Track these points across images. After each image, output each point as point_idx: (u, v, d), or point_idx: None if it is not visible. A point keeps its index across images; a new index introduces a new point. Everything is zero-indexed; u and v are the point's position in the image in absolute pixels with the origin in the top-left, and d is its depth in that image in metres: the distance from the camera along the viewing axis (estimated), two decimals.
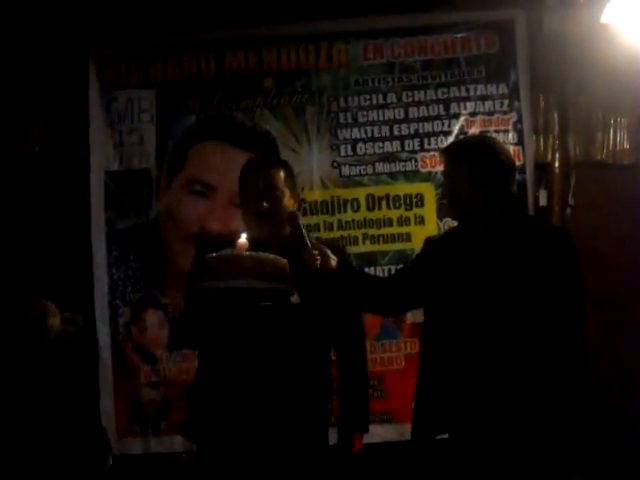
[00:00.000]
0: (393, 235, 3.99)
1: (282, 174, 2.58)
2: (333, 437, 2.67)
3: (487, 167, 2.40)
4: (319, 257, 2.39)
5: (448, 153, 2.53)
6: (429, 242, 2.66)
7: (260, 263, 2.17)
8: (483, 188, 2.40)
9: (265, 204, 2.51)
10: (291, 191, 2.60)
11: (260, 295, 2.26)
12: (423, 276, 2.54)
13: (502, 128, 3.97)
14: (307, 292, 2.48)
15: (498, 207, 2.42)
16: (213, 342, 2.54)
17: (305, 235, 2.41)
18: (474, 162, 2.40)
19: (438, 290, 2.48)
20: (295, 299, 2.39)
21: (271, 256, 2.22)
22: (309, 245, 2.39)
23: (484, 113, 4.00)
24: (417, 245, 3.90)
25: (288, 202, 2.57)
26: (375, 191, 4.01)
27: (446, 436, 2.47)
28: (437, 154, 3.96)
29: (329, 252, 2.44)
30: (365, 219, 4.00)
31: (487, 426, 2.34)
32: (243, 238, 2.22)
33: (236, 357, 2.50)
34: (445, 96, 4.02)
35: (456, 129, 3.99)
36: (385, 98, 4.04)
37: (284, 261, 2.24)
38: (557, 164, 4.05)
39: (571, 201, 4.02)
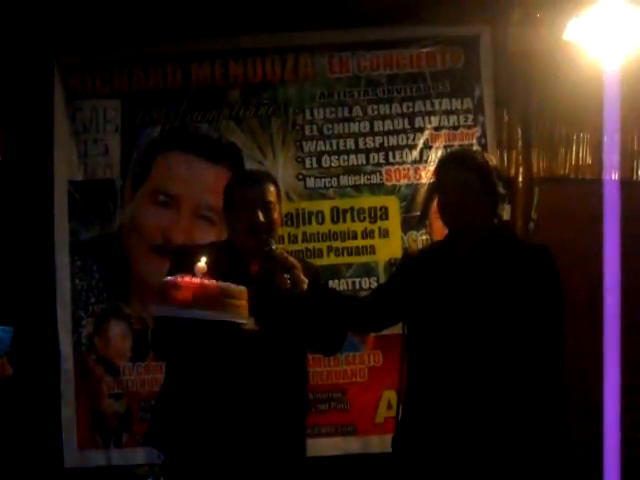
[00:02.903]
0: (357, 248, 3.99)
1: (275, 189, 2.60)
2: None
3: (492, 175, 2.44)
4: (289, 280, 2.39)
5: (456, 160, 2.52)
6: (407, 258, 2.67)
7: (216, 292, 2.14)
8: (489, 195, 2.44)
9: (262, 217, 2.50)
10: (280, 206, 2.62)
11: (213, 323, 2.24)
12: (404, 292, 2.54)
13: (466, 142, 3.98)
14: (274, 313, 2.47)
15: (494, 218, 2.47)
16: (183, 356, 2.53)
17: (278, 258, 2.43)
18: (483, 169, 2.44)
19: (420, 305, 2.48)
20: (250, 325, 2.35)
21: (231, 286, 2.20)
22: (280, 265, 2.40)
23: (449, 127, 4.01)
24: (381, 258, 3.98)
25: (278, 217, 2.58)
26: (340, 204, 4.01)
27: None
28: (402, 167, 4.00)
29: (301, 274, 2.43)
30: (330, 232, 4.00)
31: (466, 438, 2.35)
32: (202, 262, 2.18)
33: (207, 370, 2.49)
34: (410, 110, 4.03)
35: (421, 143, 4.01)
36: (351, 111, 4.04)
37: (241, 288, 2.22)
38: (520, 179, 4.07)
39: (534, 215, 4.06)
